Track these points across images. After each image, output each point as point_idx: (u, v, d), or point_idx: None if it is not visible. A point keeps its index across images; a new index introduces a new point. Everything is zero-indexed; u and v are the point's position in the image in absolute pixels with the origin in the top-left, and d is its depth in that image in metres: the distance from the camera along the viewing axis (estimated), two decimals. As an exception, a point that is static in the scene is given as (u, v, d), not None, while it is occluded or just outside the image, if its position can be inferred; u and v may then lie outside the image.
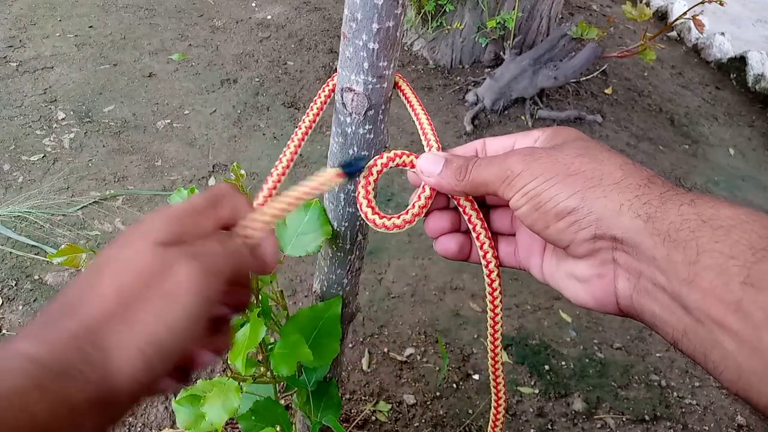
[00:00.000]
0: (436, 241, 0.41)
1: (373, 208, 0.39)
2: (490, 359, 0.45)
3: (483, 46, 2.39)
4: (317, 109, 0.48)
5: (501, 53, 2.36)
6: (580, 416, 1.29)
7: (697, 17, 1.68)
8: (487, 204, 0.42)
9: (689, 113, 2.47)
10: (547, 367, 1.38)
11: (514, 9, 2.20)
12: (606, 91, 2.46)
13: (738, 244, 0.25)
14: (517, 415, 1.28)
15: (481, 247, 0.39)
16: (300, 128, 0.47)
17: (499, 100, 2.20)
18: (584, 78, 2.43)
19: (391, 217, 0.38)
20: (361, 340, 1.39)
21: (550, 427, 1.26)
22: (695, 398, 1.36)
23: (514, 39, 2.23)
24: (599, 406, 1.32)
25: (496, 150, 0.39)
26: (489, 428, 0.49)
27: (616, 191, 0.30)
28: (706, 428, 1.30)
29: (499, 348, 0.44)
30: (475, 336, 1.42)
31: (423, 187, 0.39)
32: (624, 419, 1.30)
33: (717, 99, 2.61)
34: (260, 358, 0.66)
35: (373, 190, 0.38)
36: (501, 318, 0.43)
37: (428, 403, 1.27)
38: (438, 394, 1.29)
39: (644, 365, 1.41)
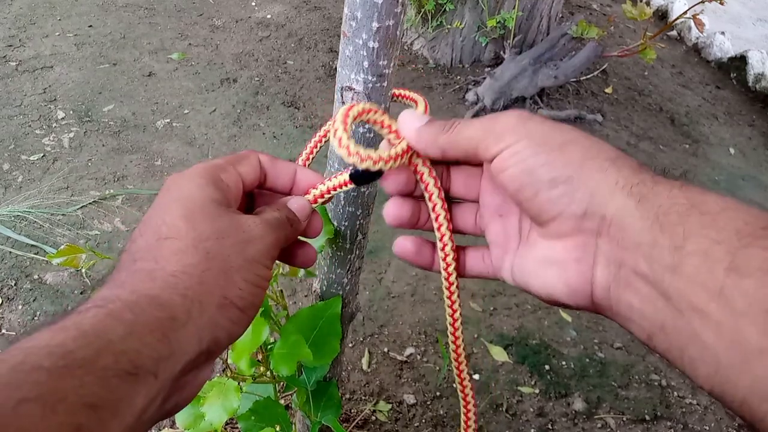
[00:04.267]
0: (395, 243, 0.39)
1: (347, 147, 0.35)
2: (453, 360, 0.42)
3: (483, 45, 2.39)
4: (324, 130, 0.47)
5: (501, 52, 2.35)
6: (581, 416, 1.29)
7: (697, 16, 1.68)
8: (449, 197, 0.39)
9: (689, 112, 2.47)
10: (547, 366, 1.38)
11: (514, 8, 2.19)
12: (606, 90, 2.45)
13: (724, 229, 0.24)
14: (518, 415, 1.28)
15: (441, 239, 0.37)
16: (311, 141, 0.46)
17: (500, 99, 2.19)
18: (584, 77, 2.43)
19: (368, 151, 0.35)
20: (361, 339, 1.38)
21: (550, 426, 1.26)
22: (696, 398, 1.35)
23: (514, 38, 2.23)
24: (599, 406, 1.32)
25: None
26: (462, 428, 0.47)
27: (613, 168, 0.29)
28: (707, 428, 1.30)
29: (461, 348, 0.42)
30: (476, 336, 1.42)
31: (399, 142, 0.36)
32: (624, 419, 1.30)
33: (717, 98, 2.61)
34: (260, 357, 0.66)
35: (352, 124, 0.36)
36: (460, 315, 0.41)
37: (428, 402, 1.27)
38: (438, 393, 1.29)
39: (645, 365, 1.41)
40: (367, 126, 0.47)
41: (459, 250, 0.39)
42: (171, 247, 0.29)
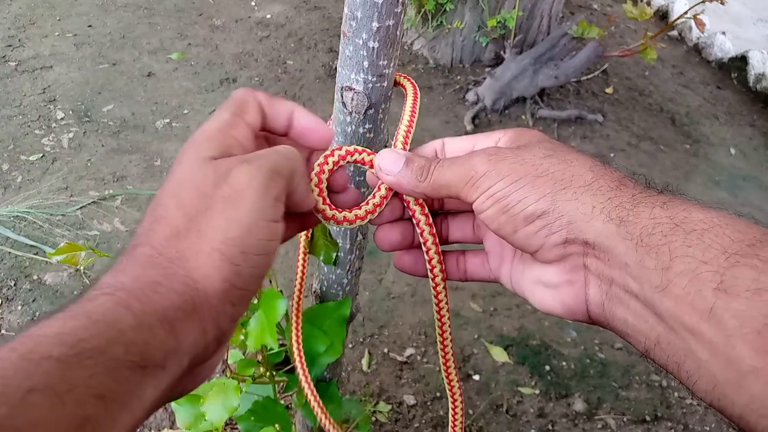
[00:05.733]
0: (394, 257, 0.41)
1: (324, 198, 0.37)
2: (443, 372, 0.45)
3: (483, 45, 2.39)
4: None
5: (501, 52, 2.35)
6: (581, 417, 1.29)
7: (698, 16, 1.68)
8: (444, 210, 0.41)
9: (690, 113, 2.46)
10: (547, 367, 1.38)
11: (514, 8, 2.19)
12: (607, 90, 2.45)
13: (711, 248, 0.24)
14: (518, 416, 1.27)
15: (430, 262, 0.39)
16: None
17: (500, 99, 2.19)
18: (585, 77, 2.43)
19: (342, 211, 0.37)
20: (361, 340, 1.38)
21: (550, 427, 1.26)
22: (696, 398, 1.35)
23: (514, 38, 2.23)
24: (600, 407, 1.32)
25: (455, 151, 0.38)
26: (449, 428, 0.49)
27: (588, 193, 0.29)
28: (707, 429, 1.30)
29: (450, 363, 0.45)
30: (476, 336, 1.42)
31: (378, 186, 0.37)
32: (625, 420, 1.30)
33: (718, 98, 2.61)
34: (260, 358, 0.66)
35: (326, 180, 0.36)
36: (449, 326, 0.43)
37: (428, 403, 1.27)
38: (438, 394, 1.29)
39: (645, 365, 1.41)
40: (367, 125, 0.46)
41: (459, 256, 0.40)
42: (163, 231, 0.27)
